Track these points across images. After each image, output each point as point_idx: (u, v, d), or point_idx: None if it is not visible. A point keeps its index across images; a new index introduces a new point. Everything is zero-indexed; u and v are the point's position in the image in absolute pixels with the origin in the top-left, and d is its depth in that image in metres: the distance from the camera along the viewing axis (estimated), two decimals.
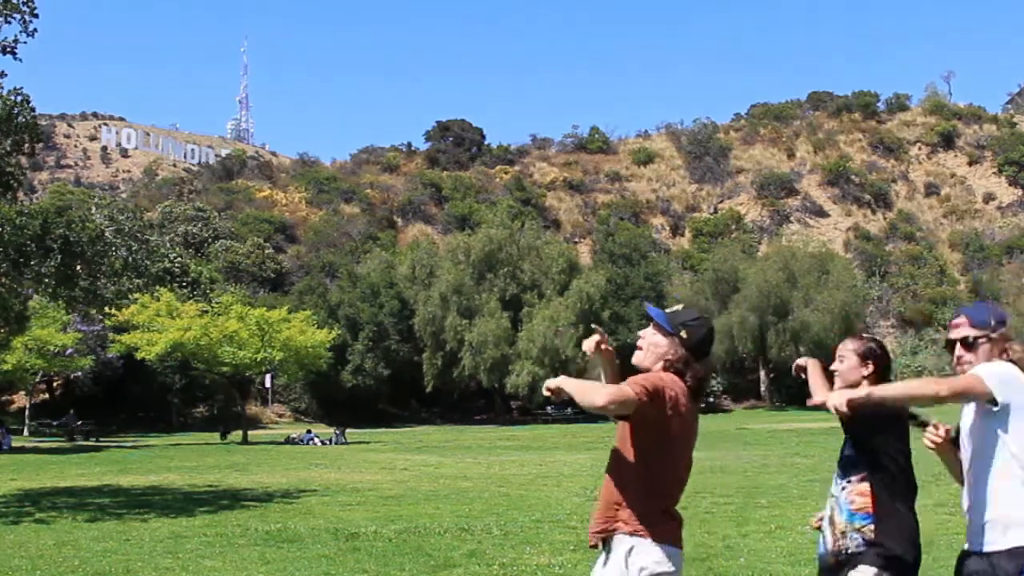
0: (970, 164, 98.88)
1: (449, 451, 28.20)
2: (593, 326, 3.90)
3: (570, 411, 51.99)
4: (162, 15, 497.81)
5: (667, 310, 3.74)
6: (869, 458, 3.81)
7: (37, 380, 44.45)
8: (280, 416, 56.49)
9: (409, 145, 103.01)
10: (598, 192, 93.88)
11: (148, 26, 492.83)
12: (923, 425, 3.81)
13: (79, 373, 45.70)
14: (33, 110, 15.89)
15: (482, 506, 13.67)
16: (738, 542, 9.80)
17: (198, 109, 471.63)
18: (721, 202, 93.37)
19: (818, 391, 4.30)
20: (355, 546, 9.94)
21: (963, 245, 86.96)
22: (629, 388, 3.44)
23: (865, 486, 3.78)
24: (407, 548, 9.70)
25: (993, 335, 3.63)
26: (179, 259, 52.58)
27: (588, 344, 3.82)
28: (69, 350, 41.42)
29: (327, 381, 51.30)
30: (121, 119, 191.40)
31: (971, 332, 3.65)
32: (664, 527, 3.55)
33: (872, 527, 3.72)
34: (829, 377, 4.21)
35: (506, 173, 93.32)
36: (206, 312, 38.90)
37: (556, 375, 3.94)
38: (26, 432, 41.98)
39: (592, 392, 3.43)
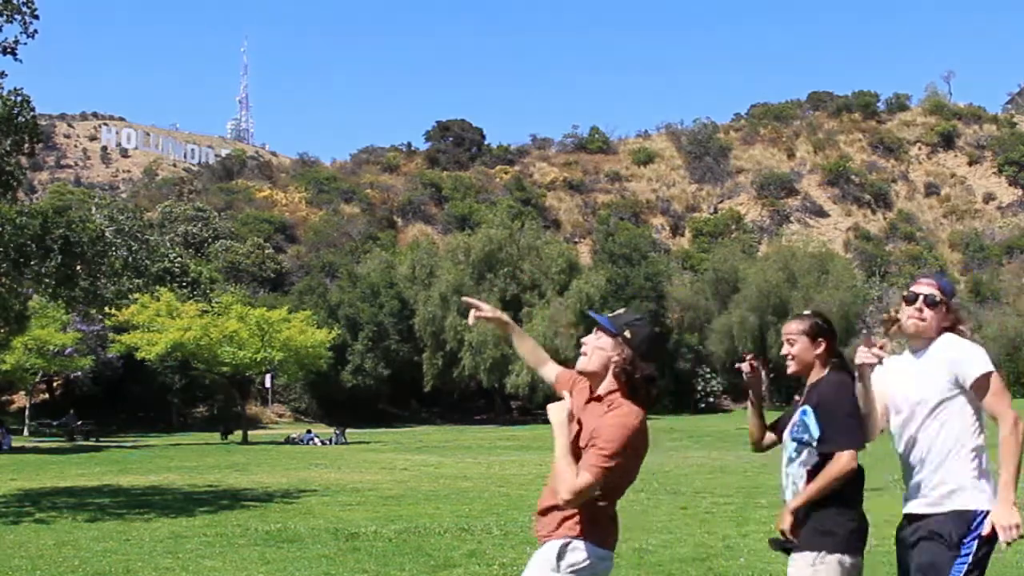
0: (970, 164, 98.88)
1: (449, 451, 28.20)
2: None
3: None
4: (162, 15, 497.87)
5: (609, 314, 3.75)
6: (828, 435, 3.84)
7: (37, 380, 44.44)
8: (280, 416, 56.49)
9: (409, 145, 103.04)
10: (598, 192, 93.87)
11: (148, 26, 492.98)
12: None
13: (79, 373, 45.68)
14: (33, 110, 15.88)
15: (482, 506, 13.67)
16: (738, 542, 9.79)
17: (198, 109, 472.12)
18: (721, 202, 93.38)
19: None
20: (355, 546, 9.94)
21: (963, 245, 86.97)
22: (591, 477, 3.40)
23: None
24: (407, 548, 9.70)
25: (950, 305, 3.88)
26: (179, 259, 52.58)
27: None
28: (69, 349, 41.42)
29: (327, 381, 51.30)
30: (121, 119, 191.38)
31: (937, 293, 3.85)
32: (599, 528, 3.55)
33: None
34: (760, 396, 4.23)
35: (506, 173, 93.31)
36: (206, 312, 38.91)
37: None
38: (26, 432, 41.96)
39: (562, 478, 3.46)
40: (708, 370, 62.56)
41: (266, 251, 69.74)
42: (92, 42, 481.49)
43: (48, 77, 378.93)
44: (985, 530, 3.61)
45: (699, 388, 62.33)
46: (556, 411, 3.63)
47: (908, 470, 3.85)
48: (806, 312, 4.16)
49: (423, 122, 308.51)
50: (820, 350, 3.99)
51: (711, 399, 62.67)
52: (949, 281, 4.03)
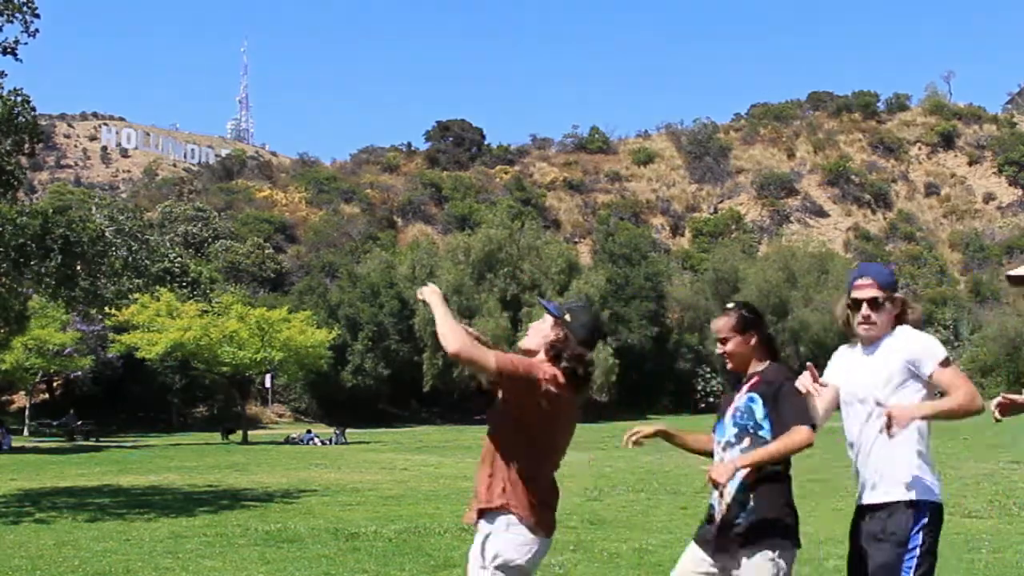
0: (970, 164, 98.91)
1: (449, 451, 28.18)
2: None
3: None
4: (162, 15, 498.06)
5: (559, 301, 3.90)
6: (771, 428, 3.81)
7: (37, 380, 44.42)
8: (280, 416, 56.50)
9: (409, 145, 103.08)
10: (598, 192, 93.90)
11: (148, 26, 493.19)
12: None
13: (79, 373, 45.67)
14: (33, 110, 15.88)
15: None
16: None
17: (198, 109, 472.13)
18: (721, 202, 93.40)
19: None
20: (355, 546, 9.94)
21: (963, 245, 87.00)
22: (494, 357, 3.52)
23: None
24: (407, 548, 9.69)
25: (895, 295, 3.81)
26: (179, 259, 52.57)
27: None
28: (68, 349, 41.41)
29: (327, 381, 51.30)
30: (121, 119, 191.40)
31: (879, 293, 3.82)
32: (527, 512, 3.56)
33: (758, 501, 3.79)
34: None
35: (506, 173, 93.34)
36: (206, 312, 38.90)
37: None
38: (26, 432, 41.95)
39: (452, 334, 3.51)
40: (708, 370, 62.58)
41: (266, 251, 69.75)
42: (92, 42, 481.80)
43: (48, 77, 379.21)
44: (927, 518, 3.67)
45: (699, 388, 62.38)
46: (430, 289, 3.77)
47: (857, 462, 3.86)
48: (730, 305, 4.10)
49: (423, 122, 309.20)
50: (753, 341, 3.96)
51: (711, 399, 62.61)
52: (886, 269, 4.01)
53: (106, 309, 19.91)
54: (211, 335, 35.91)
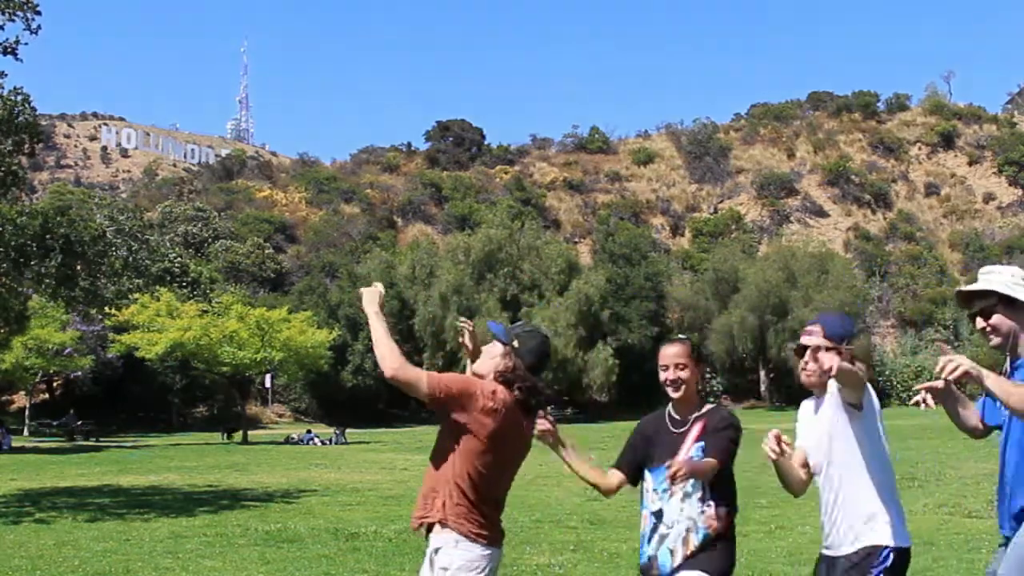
0: (970, 164, 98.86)
1: None
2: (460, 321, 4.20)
3: (569, 411, 51.98)
4: (162, 15, 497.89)
5: (508, 326, 3.97)
6: (726, 484, 3.96)
7: (37, 380, 44.42)
8: (280, 416, 56.49)
9: (409, 145, 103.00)
10: (598, 192, 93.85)
11: (148, 26, 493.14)
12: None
13: (79, 373, 45.66)
14: (34, 110, 15.89)
15: None
16: (738, 542, 9.78)
17: (198, 109, 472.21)
18: (721, 202, 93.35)
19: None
20: (355, 546, 9.94)
21: (963, 245, 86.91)
22: (426, 379, 3.56)
23: (723, 510, 3.97)
24: (407, 548, 9.69)
25: (843, 349, 3.77)
26: (179, 259, 52.57)
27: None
28: (68, 349, 41.39)
29: (327, 381, 51.29)
30: (121, 119, 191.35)
31: (823, 342, 3.80)
32: (468, 528, 3.57)
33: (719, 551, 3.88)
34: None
35: (506, 173, 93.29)
36: (206, 312, 38.89)
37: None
38: (26, 432, 41.94)
39: (390, 355, 3.57)
40: (708, 370, 62.55)
41: (266, 251, 69.73)
42: (92, 42, 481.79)
43: (48, 77, 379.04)
44: (889, 563, 3.67)
45: (699, 388, 62.28)
46: (369, 296, 3.88)
47: (823, 513, 3.97)
48: (680, 336, 4.12)
49: (423, 122, 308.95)
50: (700, 369, 4.03)
51: (711, 399, 62.00)
52: (841, 320, 3.96)
53: (106, 309, 19.91)
54: (211, 335, 35.91)
